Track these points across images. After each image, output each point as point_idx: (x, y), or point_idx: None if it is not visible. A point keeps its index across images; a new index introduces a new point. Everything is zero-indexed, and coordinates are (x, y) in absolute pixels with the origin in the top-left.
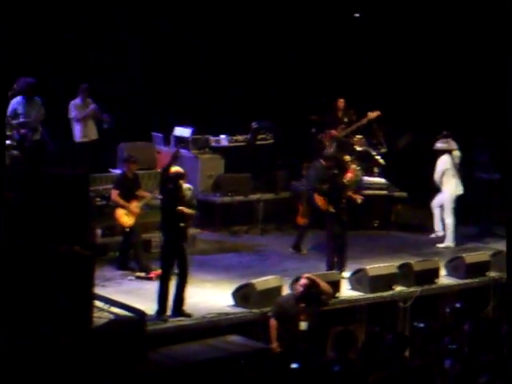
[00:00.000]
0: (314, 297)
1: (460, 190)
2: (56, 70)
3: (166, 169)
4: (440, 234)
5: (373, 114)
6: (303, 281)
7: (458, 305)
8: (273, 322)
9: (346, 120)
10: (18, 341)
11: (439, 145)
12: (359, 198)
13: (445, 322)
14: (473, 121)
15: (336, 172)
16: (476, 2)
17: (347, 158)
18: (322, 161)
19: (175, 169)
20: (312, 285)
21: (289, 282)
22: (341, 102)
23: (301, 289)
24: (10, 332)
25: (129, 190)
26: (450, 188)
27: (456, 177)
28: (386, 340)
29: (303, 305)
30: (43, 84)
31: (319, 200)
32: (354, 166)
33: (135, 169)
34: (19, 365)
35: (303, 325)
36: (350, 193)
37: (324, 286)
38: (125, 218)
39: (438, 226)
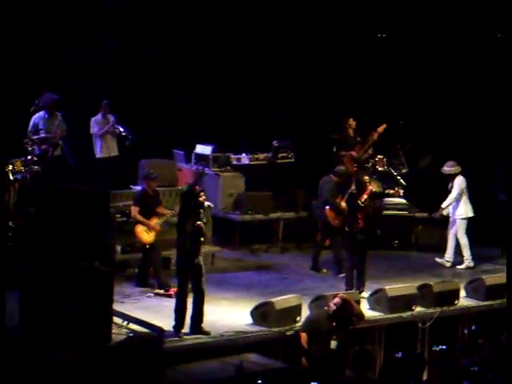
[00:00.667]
0: (345, 317)
1: (471, 213)
2: (78, 86)
3: (192, 186)
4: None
5: (380, 128)
6: (337, 300)
7: (473, 327)
8: (305, 336)
9: (358, 139)
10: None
11: (447, 169)
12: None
13: (463, 343)
14: (493, 141)
15: (354, 192)
16: (496, 20)
17: (366, 178)
18: (332, 176)
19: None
20: (345, 305)
21: (308, 300)
22: (351, 122)
23: (334, 307)
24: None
25: (149, 206)
26: (465, 209)
27: (468, 199)
28: (405, 362)
29: (334, 324)
30: (65, 100)
31: (330, 214)
32: (370, 188)
33: (155, 186)
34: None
35: (333, 344)
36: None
37: (357, 308)
38: (145, 234)
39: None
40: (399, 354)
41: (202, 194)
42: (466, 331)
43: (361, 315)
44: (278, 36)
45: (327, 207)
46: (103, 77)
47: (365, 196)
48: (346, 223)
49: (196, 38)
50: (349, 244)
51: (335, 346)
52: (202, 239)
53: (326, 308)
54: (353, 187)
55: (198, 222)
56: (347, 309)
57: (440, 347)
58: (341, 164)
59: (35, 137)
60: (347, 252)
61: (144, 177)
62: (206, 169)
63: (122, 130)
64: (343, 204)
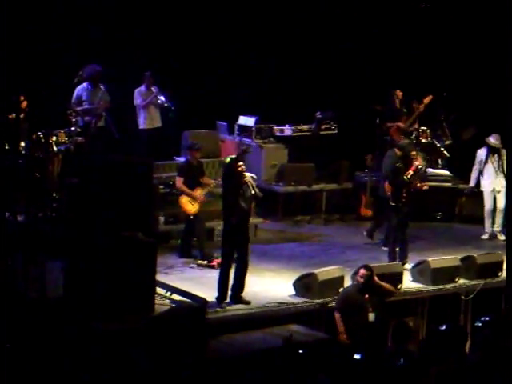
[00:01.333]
0: (376, 287)
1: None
2: (121, 57)
3: (234, 161)
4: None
5: (426, 100)
6: (362, 271)
7: None
8: (338, 315)
9: (405, 110)
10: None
11: (495, 141)
12: (425, 186)
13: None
14: None
15: (400, 166)
16: None
17: (414, 153)
18: (396, 150)
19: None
20: (371, 274)
21: (351, 272)
22: (398, 94)
23: (361, 280)
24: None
25: (193, 177)
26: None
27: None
28: (447, 334)
29: (367, 296)
30: (109, 71)
31: (389, 189)
32: (416, 163)
33: (199, 156)
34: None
35: (371, 316)
36: (416, 183)
37: (381, 284)
38: (189, 205)
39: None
40: (443, 327)
41: (241, 167)
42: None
43: (388, 291)
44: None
45: (386, 182)
46: (145, 48)
47: (410, 172)
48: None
49: (237, 9)
50: (392, 217)
51: (373, 318)
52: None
53: (355, 282)
54: (398, 162)
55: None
56: (373, 277)
57: (483, 319)
58: (384, 135)
59: (79, 108)
60: (390, 225)
61: (188, 147)
62: (249, 140)
63: (164, 100)
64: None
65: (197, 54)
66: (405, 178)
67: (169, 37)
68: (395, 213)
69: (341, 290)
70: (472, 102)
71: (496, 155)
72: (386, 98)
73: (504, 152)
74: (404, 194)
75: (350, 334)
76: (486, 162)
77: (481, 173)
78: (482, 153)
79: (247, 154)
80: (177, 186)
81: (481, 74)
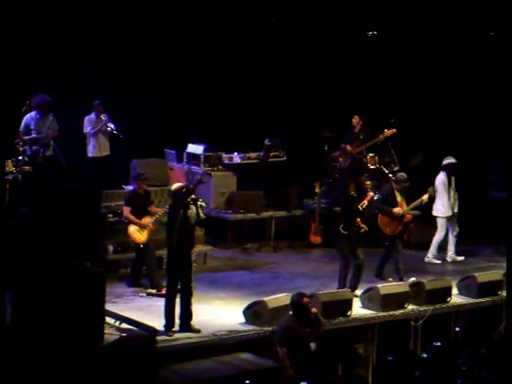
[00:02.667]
0: (311, 314)
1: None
2: (70, 86)
3: (187, 192)
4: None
5: (388, 132)
6: (306, 300)
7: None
8: (282, 351)
9: (361, 137)
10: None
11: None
12: (364, 228)
13: (456, 341)
14: (485, 138)
15: (354, 196)
16: (488, 18)
17: (368, 183)
18: (392, 183)
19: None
20: (307, 304)
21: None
22: (356, 119)
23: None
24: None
25: (140, 206)
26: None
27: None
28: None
29: (306, 327)
30: (57, 100)
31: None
32: (371, 194)
33: (146, 186)
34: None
35: (312, 345)
36: (359, 220)
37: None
38: (138, 234)
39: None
40: (391, 357)
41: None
42: (457, 329)
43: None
44: (272, 33)
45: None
46: (95, 77)
47: (365, 202)
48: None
49: (187, 38)
50: (342, 245)
51: (315, 348)
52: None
53: (290, 313)
54: (352, 191)
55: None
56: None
57: (435, 344)
58: (333, 162)
59: (26, 137)
60: (340, 252)
61: (134, 177)
62: (198, 168)
63: (112, 127)
64: (396, 210)
65: (146, 81)
66: (359, 207)
67: (118, 65)
68: (346, 241)
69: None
70: (420, 127)
71: (453, 180)
72: (344, 123)
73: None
74: (356, 224)
75: (294, 366)
76: (449, 185)
77: (433, 198)
78: (442, 178)
79: (202, 184)
80: (124, 216)
81: (429, 99)
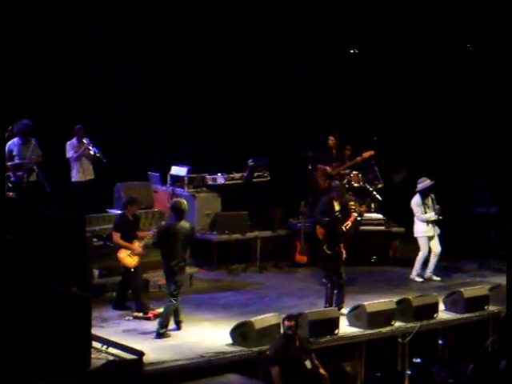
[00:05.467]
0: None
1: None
2: (51, 111)
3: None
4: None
5: (367, 154)
6: (287, 323)
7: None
8: (275, 370)
9: (336, 156)
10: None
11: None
12: (343, 254)
13: (442, 356)
14: (469, 154)
15: (339, 216)
16: (471, 34)
17: (352, 204)
18: (331, 194)
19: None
20: (296, 322)
21: None
22: (331, 140)
23: (290, 332)
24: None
25: (129, 231)
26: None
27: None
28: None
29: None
30: (40, 126)
31: (319, 231)
32: (355, 214)
33: (135, 210)
34: None
35: (308, 363)
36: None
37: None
38: (128, 259)
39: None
40: (379, 374)
41: None
42: (440, 342)
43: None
44: (251, 51)
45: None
46: (77, 100)
47: (349, 223)
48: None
49: (169, 58)
50: (328, 264)
51: (310, 366)
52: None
53: (282, 333)
54: (337, 211)
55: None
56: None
57: (417, 360)
58: (316, 182)
59: (9, 163)
60: (326, 271)
61: (124, 203)
62: (182, 190)
63: (95, 150)
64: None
65: (128, 104)
66: (343, 228)
67: (100, 89)
68: (330, 260)
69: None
70: (403, 145)
71: (430, 199)
72: (318, 143)
73: (432, 195)
74: (340, 244)
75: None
76: (424, 208)
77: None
78: (417, 200)
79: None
80: (114, 241)
81: (411, 117)
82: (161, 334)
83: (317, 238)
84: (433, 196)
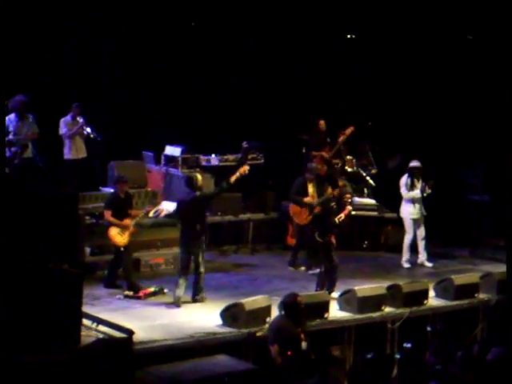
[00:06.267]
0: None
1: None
2: (48, 87)
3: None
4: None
5: (348, 130)
6: (300, 299)
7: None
8: (275, 348)
9: (328, 140)
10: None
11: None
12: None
13: (430, 342)
14: (463, 143)
15: (334, 207)
16: (470, 23)
17: (348, 196)
18: (306, 175)
19: None
20: (300, 302)
21: (278, 302)
22: (322, 124)
23: (301, 307)
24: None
25: (121, 209)
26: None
27: None
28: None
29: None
30: (35, 102)
31: (293, 210)
32: (349, 208)
33: (126, 188)
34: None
35: (304, 344)
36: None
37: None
38: (118, 237)
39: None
40: (370, 355)
41: None
42: (428, 328)
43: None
44: (248, 34)
45: (291, 204)
46: (74, 78)
47: (342, 216)
48: (315, 230)
49: (165, 39)
50: (321, 251)
51: (306, 347)
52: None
53: (282, 312)
54: (331, 192)
55: None
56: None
57: (407, 345)
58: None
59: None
60: (319, 257)
61: (115, 180)
62: (175, 170)
63: (90, 131)
64: (307, 199)
65: (123, 83)
66: (336, 220)
67: (95, 66)
68: (321, 247)
69: (268, 320)
70: (397, 131)
71: (420, 181)
72: (311, 127)
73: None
74: (331, 235)
75: (285, 366)
76: (411, 188)
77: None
78: (404, 180)
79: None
80: (105, 219)
81: (406, 102)
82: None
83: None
84: (423, 183)
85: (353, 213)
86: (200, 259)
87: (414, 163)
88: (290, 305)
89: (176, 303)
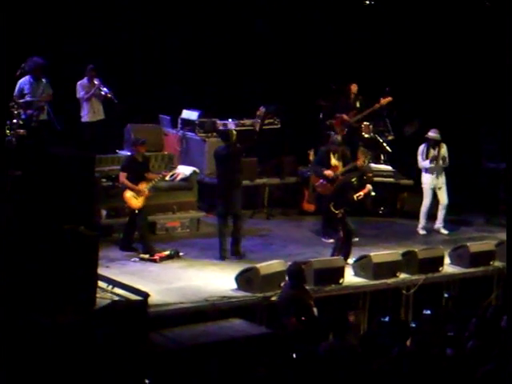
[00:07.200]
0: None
1: None
2: (64, 50)
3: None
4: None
5: (385, 100)
6: (294, 267)
7: (446, 295)
8: (293, 321)
9: (357, 105)
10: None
11: (434, 134)
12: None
13: (446, 310)
14: (480, 109)
15: (355, 183)
16: None
17: (370, 175)
18: (330, 147)
19: None
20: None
21: None
22: (354, 87)
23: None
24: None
25: (137, 172)
26: None
27: None
28: (388, 327)
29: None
30: (51, 64)
31: (314, 181)
32: (369, 187)
33: (143, 151)
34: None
35: (315, 310)
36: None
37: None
38: (133, 200)
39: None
40: (386, 319)
41: None
42: (446, 295)
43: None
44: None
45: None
46: (90, 41)
47: (361, 194)
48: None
49: (184, 4)
50: (335, 220)
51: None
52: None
53: (288, 282)
54: (353, 164)
55: None
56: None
57: (425, 312)
58: (328, 130)
59: (21, 101)
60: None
61: (132, 143)
62: (192, 134)
63: (106, 90)
64: (327, 172)
65: (141, 46)
66: (355, 197)
67: (112, 30)
68: (336, 217)
69: (283, 285)
70: (415, 97)
71: (436, 150)
72: (340, 91)
73: (443, 146)
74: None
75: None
76: (426, 157)
77: (421, 168)
78: (421, 148)
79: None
80: (120, 181)
81: (425, 68)
82: None
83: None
84: (444, 151)
85: (372, 193)
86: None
87: (433, 133)
88: (296, 273)
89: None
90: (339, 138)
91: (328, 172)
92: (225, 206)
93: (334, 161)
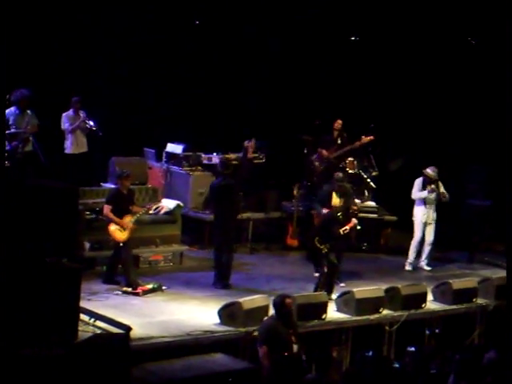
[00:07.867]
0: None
1: None
2: (49, 82)
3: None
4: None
5: (366, 139)
6: (289, 300)
7: (436, 330)
8: (264, 350)
9: (339, 142)
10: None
11: (433, 172)
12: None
13: (429, 346)
14: (465, 147)
15: (340, 218)
16: (472, 28)
17: (355, 208)
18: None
19: None
20: (289, 304)
21: None
22: (338, 123)
23: (288, 309)
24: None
25: (122, 205)
26: None
27: None
28: (372, 363)
29: (289, 328)
30: (36, 96)
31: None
32: (355, 221)
33: (128, 184)
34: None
35: (295, 347)
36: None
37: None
38: (118, 233)
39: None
40: (369, 353)
41: None
42: (427, 332)
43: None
44: (250, 33)
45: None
46: (74, 73)
47: (347, 227)
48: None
49: (168, 35)
50: (316, 256)
51: (297, 350)
52: None
53: (272, 314)
54: (340, 212)
55: None
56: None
57: (409, 349)
58: (312, 166)
59: (6, 132)
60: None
61: (117, 176)
62: (177, 167)
63: (92, 124)
64: (325, 211)
65: (125, 78)
66: (341, 231)
67: (96, 62)
68: (320, 253)
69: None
70: (400, 133)
71: (433, 186)
72: (323, 126)
73: (440, 184)
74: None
75: (275, 368)
76: (423, 189)
77: (414, 201)
78: (417, 182)
79: None
80: (104, 214)
81: (409, 105)
82: None
83: (308, 223)
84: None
85: (358, 227)
86: None
87: (431, 171)
88: (279, 305)
89: None
90: (341, 174)
91: (324, 211)
92: (223, 238)
93: (335, 200)
